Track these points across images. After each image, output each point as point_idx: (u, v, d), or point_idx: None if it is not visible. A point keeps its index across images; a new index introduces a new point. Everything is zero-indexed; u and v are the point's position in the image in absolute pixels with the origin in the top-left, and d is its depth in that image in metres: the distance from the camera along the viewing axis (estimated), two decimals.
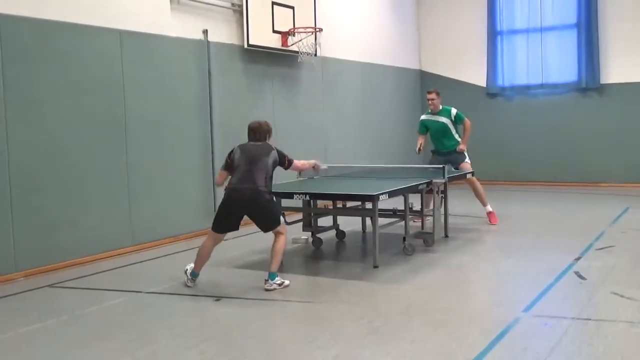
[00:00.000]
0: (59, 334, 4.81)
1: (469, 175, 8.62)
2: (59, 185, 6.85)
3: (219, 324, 4.92)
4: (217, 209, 6.04)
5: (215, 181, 6.02)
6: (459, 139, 8.96)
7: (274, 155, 5.96)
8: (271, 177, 5.94)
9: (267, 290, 5.73)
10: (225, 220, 5.90)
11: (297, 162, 6.29)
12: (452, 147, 8.93)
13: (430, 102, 8.98)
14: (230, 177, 5.92)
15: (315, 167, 6.71)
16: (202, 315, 5.18)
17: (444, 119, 8.93)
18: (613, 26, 12.40)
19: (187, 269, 6.00)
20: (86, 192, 7.12)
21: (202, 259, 5.95)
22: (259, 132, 6.04)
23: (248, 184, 5.76)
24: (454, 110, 8.94)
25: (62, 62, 6.90)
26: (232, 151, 5.98)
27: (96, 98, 7.24)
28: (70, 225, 6.95)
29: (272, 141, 6.13)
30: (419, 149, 9.06)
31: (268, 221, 5.91)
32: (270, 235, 5.93)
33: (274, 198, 6.15)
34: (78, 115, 7.04)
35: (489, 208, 8.91)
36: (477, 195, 8.92)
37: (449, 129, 8.94)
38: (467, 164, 8.88)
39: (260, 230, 5.98)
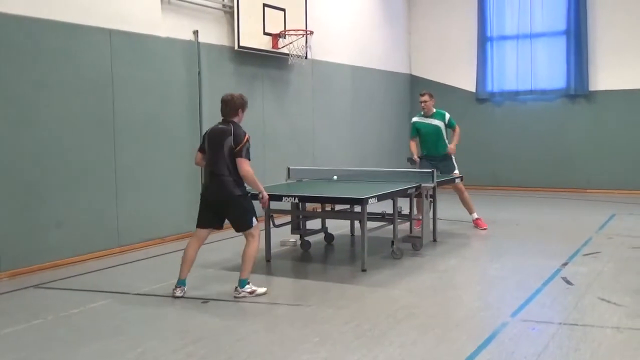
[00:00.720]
0: (44, 336, 4.77)
1: (457, 181, 8.65)
2: (45, 185, 6.81)
3: (207, 327, 4.90)
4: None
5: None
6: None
7: (229, 142, 5.41)
8: (235, 168, 5.44)
9: (236, 297, 5.54)
10: (202, 214, 5.68)
11: (249, 171, 5.44)
12: (443, 152, 8.87)
13: (423, 104, 8.92)
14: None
15: (263, 200, 5.77)
16: (189, 318, 5.15)
17: (437, 122, 8.87)
18: (602, 33, 12.50)
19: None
20: (73, 192, 7.08)
21: (186, 262, 5.65)
22: (229, 105, 5.53)
23: (213, 175, 5.50)
24: (448, 115, 8.93)
25: (51, 61, 6.86)
26: (206, 131, 5.72)
27: (85, 98, 7.20)
28: (56, 226, 6.91)
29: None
30: (416, 158, 8.88)
31: (237, 220, 5.56)
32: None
33: (247, 194, 5.65)
34: (66, 115, 7.00)
35: (475, 215, 8.93)
36: (464, 203, 8.92)
37: (442, 133, 8.89)
38: (456, 173, 8.88)
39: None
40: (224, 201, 5.53)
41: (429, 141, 8.94)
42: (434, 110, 8.93)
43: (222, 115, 5.63)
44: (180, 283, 5.69)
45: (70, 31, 7.05)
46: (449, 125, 8.91)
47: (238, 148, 5.41)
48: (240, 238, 5.79)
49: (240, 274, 5.62)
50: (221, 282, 6.17)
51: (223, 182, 5.47)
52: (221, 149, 5.45)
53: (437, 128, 8.88)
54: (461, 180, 8.72)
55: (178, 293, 5.63)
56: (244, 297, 5.56)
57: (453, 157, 8.92)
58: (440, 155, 8.88)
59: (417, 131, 9.03)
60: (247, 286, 5.60)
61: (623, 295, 5.45)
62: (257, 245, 5.64)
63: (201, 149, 5.75)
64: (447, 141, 8.95)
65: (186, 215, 8.48)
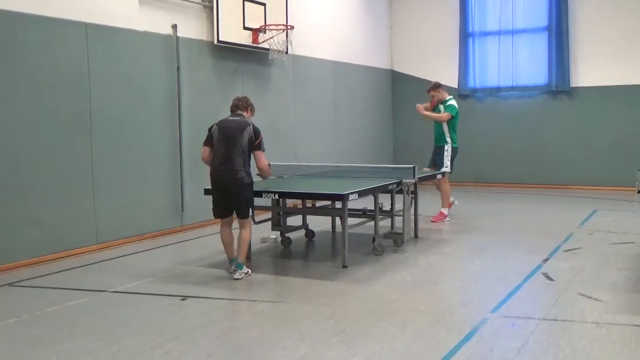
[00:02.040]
0: (19, 335, 4.72)
1: (439, 177, 8.72)
2: (19, 181, 6.73)
3: (185, 324, 4.88)
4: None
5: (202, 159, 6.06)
6: (448, 140, 9.08)
7: (249, 131, 5.96)
8: (249, 158, 5.98)
9: (236, 279, 5.92)
10: (220, 205, 6.00)
11: (267, 164, 6.15)
12: (439, 143, 9.15)
13: (432, 97, 9.23)
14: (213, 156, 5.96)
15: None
16: (167, 315, 5.13)
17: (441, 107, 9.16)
18: (584, 29, 12.60)
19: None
20: (48, 188, 7.01)
21: (227, 246, 6.08)
22: (242, 101, 6.10)
23: (226, 165, 5.85)
24: (450, 101, 9.14)
25: (24, 56, 6.78)
26: (212, 126, 6.03)
27: (60, 93, 7.13)
28: (31, 223, 6.84)
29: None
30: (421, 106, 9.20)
31: (241, 207, 6.02)
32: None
33: (252, 184, 6.14)
34: (40, 111, 6.93)
35: (445, 211, 9.13)
36: (442, 194, 9.11)
37: (442, 125, 9.08)
38: (445, 172, 9.03)
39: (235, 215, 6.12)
40: (235, 187, 5.92)
41: (434, 128, 9.29)
42: (446, 97, 9.18)
43: (235, 109, 6.08)
44: (233, 261, 6.03)
45: (45, 25, 6.97)
46: (445, 108, 9.06)
47: (258, 141, 5.97)
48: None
49: (239, 258, 6.03)
50: (199, 279, 6.14)
51: (237, 170, 5.88)
52: (239, 139, 5.88)
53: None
54: (443, 175, 8.82)
55: (237, 275, 5.93)
56: (242, 278, 5.98)
57: (446, 151, 9.05)
58: (437, 146, 9.20)
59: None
60: (245, 268, 6.02)
61: (604, 291, 5.50)
62: (251, 231, 6.18)
63: (208, 143, 5.99)
64: (447, 136, 9.09)
65: (165, 211, 8.45)
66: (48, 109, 7.00)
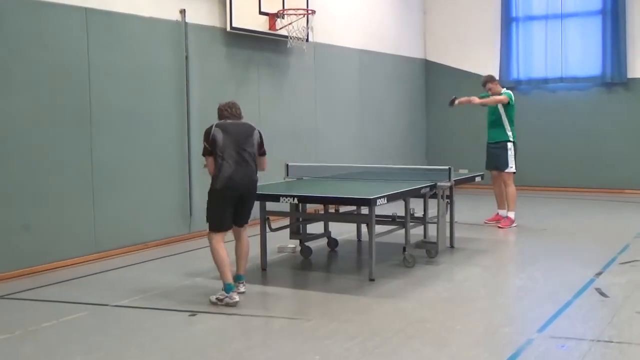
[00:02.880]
0: (11, 353, 4.77)
1: (478, 179, 8.71)
2: (11, 184, 6.81)
3: (195, 343, 4.90)
4: (212, 206, 5.89)
5: (208, 171, 5.94)
6: (509, 134, 9.22)
7: (257, 136, 6.03)
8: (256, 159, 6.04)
9: (241, 293, 5.93)
10: (227, 212, 5.91)
11: (266, 166, 6.21)
12: (497, 139, 9.24)
13: (489, 92, 9.29)
14: (219, 160, 5.81)
15: None
16: (175, 333, 5.16)
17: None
18: None
19: (217, 296, 5.79)
20: (44, 192, 7.09)
21: (226, 265, 5.81)
22: (238, 108, 6.07)
23: (245, 171, 5.87)
24: (508, 91, 9.30)
25: (18, 44, 6.87)
26: (209, 132, 5.83)
27: (57, 85, 7.21)
28: (24, 230, 6.92)
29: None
30: (455, 98, 9.29)
31: (249, 213, 6.12)
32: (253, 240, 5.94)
33: None
34: (36, 105, 7.01)
35: (513, 215, 9.26)
36: (507, 196, 9.25)
37: (500, 115, 9.19)
38: (509, 174, 9.17)
39: (237, 224, 6.06)
40: (252, 193, 6.03)
41: (488, 122, 9.40)
42: (503, 91, 9.28)
43: (232, 116, 6.01)
44: (229, 289, 5.77)
45: (40, 10, 7.06)
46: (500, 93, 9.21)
47: (263, 147, 6.09)
48: (228, 244, 5.89)
49: (243, 270, 6.11)
50: (210, 292, 6.16)
51: (253, 173, 5.97)
52: (251, 143, 5.92)
53: (495, 108, 9.22)
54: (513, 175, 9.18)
55: (234, 298, 5.72)
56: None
57: (510, 150, 9.16)
58: (495, 143, 9.29)
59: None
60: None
61: None
62: None
63: (211, 152, 5.84)
64: (507, 130, 9.21)
65: (172, 217, 8.51)
66: (43, 104, 7.08)
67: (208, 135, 5.84)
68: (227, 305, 5.65)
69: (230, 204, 5.90)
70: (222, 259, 5.80)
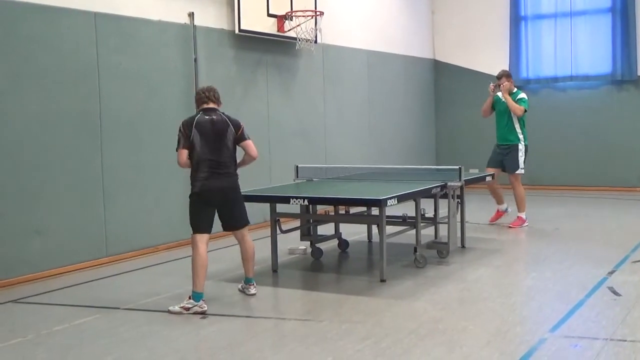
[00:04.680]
0: (24, 356, 4.79)
1: (488, 179, 8.68)
2: (22, 188, 6.84)
3: (206, 345, 4.91)
4: (190, 207, 5.85)
5: (179, 164, 5.83)
6: (521, 137, 9.17)
7: (231, 130, 5.81)
8: (236, 159, 5.91)
9: (252, 295, 6.04)
10: (205, 216, 5.79)
11: (255, 149, 5.95)
12: (511, 141, 9.16)
13: (500, 86, 9.21)
14: (195, 163, 5.72)
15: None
16: (186, 335, 5.16)
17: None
18: None
19: (183, 305, 5.67)
20: (53, 195, 7.12)
21: (203, 271, 5.67)
22: (215, 93, 5.90)
23: (218, 169, 5.74)
24: (521, 94, 9.22)
25: (28, 49, 6.90)
26: (190, 128, 5.70)
27: (67, 90, 7.24)
28: (36, 234, 6.95)
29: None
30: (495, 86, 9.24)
31: (239, 216, 5.97)
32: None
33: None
34: (46, 110, 7.04)
35: (524, 215, 9.18)
36: (516, 198, 9.17)
37: (512, 119, 9.13)
38: (518, 175, 9.10)
39: (226, 229, 6.02)
40: (231, 197, 5.88)
41: (499, 123, 9.31)
42: (515, 90, 9.27)
43: (209, 102, 5.88)
44: (197, 297, 5.65)
45: (50, 15, 7.09)
46: (519, 102, 9.11)
47: (240, 132, 5.86)
48: (237, 246, 5.89)
49: (251, 273, 6.10)
50: (220, 294, 6.18)
51: (231, 176, 5.84)
52: (225, 140, 5.77)
53: (507, 110, 9.16)
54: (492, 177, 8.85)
55: (202, 307, 5.62)
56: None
57: (520, 150, 9.12)
58: (505, 145, 9.22)
59: (493, 106, 9.39)
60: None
61: None
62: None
63: (186, 145, 5.73)
64: (518, 132, 9.16)
65: (182, 220, 8.49)
66: (53, 108, 7.11)
67: (187, 131, 5.69)
68: (196, 313, 5.56)
69: (207, 207, 5.80)
70: (199, 265, 5.65)
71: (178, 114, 8.48)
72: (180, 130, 5.76)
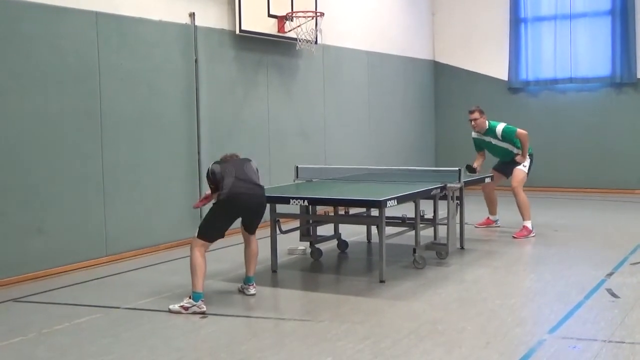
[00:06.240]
0: (25, 355, 4.81)
1: (487, 180, 8.65)
2: (24, 187, 6.85)
3: (206, 345, 4.92)
4: (213, 214, 5.90)
5: (200, 199, 6.13)
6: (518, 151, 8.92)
7: (254, 163, 6.19)
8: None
9: (251, 295, 6.08)
10: (226, 224, 5.93)
11: None
12: (512, 156, 8.97)
13: (473, 122, 8.88)
14: (225, 185, 5.84)
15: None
16: (186, 335, 5.18)
17: (495, 141, 8.92)
18: None
19: (182, 305, 5.68)
20: (55, 195, 7.13)
21: (201, 272, 5.73)
22: (235, 155, 6.21)
23: (254, 184, 5.98)
24: (499, 128, 8.83)
25: (29, 48, 6.91)
26: (212, 172, 5.95)
27: (68, 89, 7.25)
28: (37, 233, 6.96)
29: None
30: (475, 168, 8.90)
31: (259, 222, 6.19)
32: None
33: None
34: (47, 109, 7.05)
35: (529, 224, 8.79)
36: (519, 206, 8.84)
37: (506, 147, 8.92)
38: (521, 171, 8.87)
39: (248, 232, 6.16)
40: (263, 205, 6.16)
41: (496, 155, 9.17)
42: (487, 125, 8.89)
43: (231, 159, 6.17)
44: (197, 297, 5.68)
45: (51, 14, 7.10)
46: (506, 138, 8.82)
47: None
48: (238, 247, 5.90)
49: (252, 272, 6.17)
50: (221, 294, 6.20)
51: (261, 187, 6.10)
52: (250, 168, 6.09)
53: (497, 146, 8.97)
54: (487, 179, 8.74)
55: (201, 308, 5.64)
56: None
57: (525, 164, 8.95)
58: (511, 159, 8.98)
59: (479, 147, 9.18)
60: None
61: None
62: None
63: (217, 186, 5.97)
64: (518, 147, 8.90)
65: (182, 220, 8.53)
66: (54, 108, 7.12)
67: (209, 175, 6.01)
68: (195, 313, 5.58)
69: (231, 217, 5.93)
70: (199, 266, 5.72)
71: (178, 114, 8.53)
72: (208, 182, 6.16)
